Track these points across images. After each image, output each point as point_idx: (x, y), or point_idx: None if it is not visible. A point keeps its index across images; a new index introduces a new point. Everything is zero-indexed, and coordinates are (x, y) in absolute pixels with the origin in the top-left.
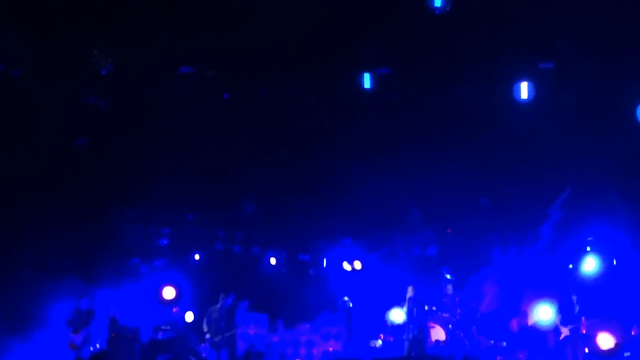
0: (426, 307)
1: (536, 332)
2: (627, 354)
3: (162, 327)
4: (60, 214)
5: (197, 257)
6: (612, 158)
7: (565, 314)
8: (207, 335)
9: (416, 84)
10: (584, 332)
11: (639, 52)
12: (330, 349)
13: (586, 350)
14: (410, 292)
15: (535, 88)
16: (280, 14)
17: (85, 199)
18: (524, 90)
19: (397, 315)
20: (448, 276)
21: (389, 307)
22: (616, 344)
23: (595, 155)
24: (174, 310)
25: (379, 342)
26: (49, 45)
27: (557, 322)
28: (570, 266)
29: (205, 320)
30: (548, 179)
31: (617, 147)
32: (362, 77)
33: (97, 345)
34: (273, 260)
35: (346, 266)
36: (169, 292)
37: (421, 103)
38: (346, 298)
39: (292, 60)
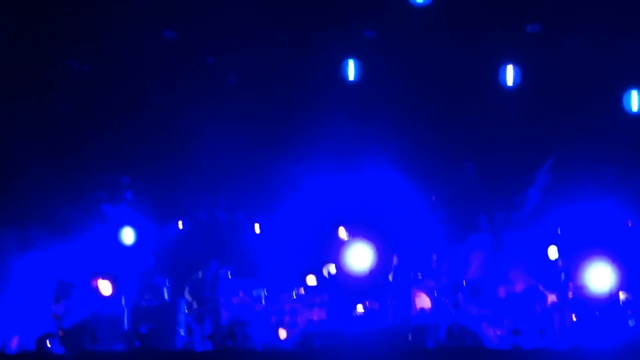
0: (411, 275)
1: (523, 299)
2: (631, 322)
3: (145, 296)
4: (41, 180)
5: (180, 224)
6: (599, 125)
7: (551, 279)
8: (192, 305)
9: (403, 47)
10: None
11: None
12: (315, 318)
13: (574, 317)
14: (395, 260)
15: (522, 54)
16: None
17: (65, 165)
18: (510, 74)
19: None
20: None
21: (373, 274)
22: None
23: (582, 121)
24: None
25: (361, 309)
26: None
27: (541, 288)
28: (559, 231)
29: (187, 290)
30: (535, 145)
31: (604, 115)
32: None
33: (80, 316)
34: (257, 228)
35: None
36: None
37: (408, 67)
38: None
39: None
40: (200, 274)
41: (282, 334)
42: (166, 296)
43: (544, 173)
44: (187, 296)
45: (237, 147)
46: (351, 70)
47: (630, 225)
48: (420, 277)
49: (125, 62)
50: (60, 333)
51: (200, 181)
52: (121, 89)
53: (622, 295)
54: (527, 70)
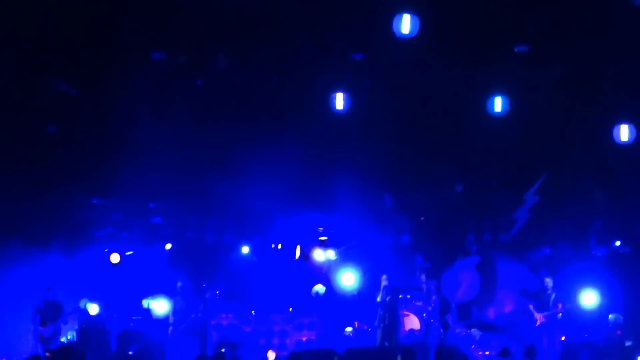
0: (400, 296)
1: (513, 320)
2: (628, 343)
3: (133, 318)
4: (29, 207)
5: (168, 246)
6: (587, 146)
7: (540, 300)
8: (174, 325)
9: (390, 71)
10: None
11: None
12: (304, 339)
13: (562, 338)
14: (384, 281)
15: (510, 79)
16: None
17: (54, 190)
18: (498, 104)
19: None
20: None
21: (362, 295)
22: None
23: (571, 143)
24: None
25: (349, 329)
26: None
27: (531, 308)
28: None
29: (173, 311)
30: (523, 165)
31: (592, 136)
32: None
33: (68, 337)
34: (245, 249)
35: (319, 255)
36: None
37: (395, 91)
38: (320, 287)
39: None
40: (189, 295)
41: (271, 355)
42: (154, 317)
43: (532, 194)
44: (174, 317)
45: (225, 171)
46: (339, 101)
47: (616, 246)
48: (409, 298)
49: (113, 84)
50: (48, 355)
51: (188, 203)
52: (109, 111)
53: (611, 317)
54: (514, 94)
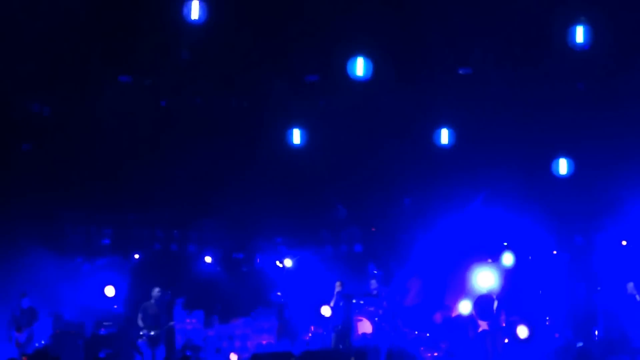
0: (354, 301)
1: (457, 324)
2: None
3: (104, 323)
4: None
5: (136, 256)
6: (528, 159)
7: (483, 308)
8: (144, 330)
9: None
10: (504, 325)
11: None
12: (264, 342)
13: (506, 340)
14: (338, 287)
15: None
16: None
17: (29, 202)
18: (445, 136)
19: (326, 311)
20: (375, 272)
21: (318, 301)
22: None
23: (513, 156)
24: (114, 307)
25: (309, 335)
26: None
27: (474, 315)
28: (490, 260)
29: (140, 316)
30: (467, 180)
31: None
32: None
33: (42, 342)
34: (208, 259)
35: (279, 263)
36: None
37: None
38: (279, 293)
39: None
40: (153, 301)
41: (234, 357)
42: (124, 323)
43: (478, 205)
44: (139, 322)
45: (195, 187)
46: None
47: (554, 254)
48: (362, 303)
49: (85, 104)
50: (24, 359)
51: (157, 217)
52: (83, 130)
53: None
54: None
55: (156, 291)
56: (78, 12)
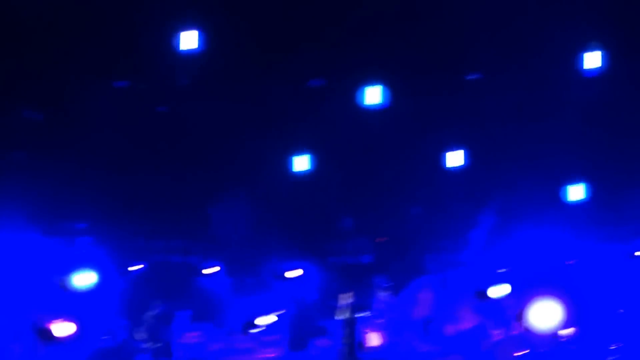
0: (361, 314)
1: (469, 337)
2: None
3: (102, 337)
4: None
5: (134, 267)
6: (542, 166)
7: (495, 317)
8: (143, 343)
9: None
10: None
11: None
12: (270, 356)
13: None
14: (345, 299)
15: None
16: None
17: (19, 211)
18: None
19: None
20: (383, 284)
21: (325, 314)
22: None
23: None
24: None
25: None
26: None
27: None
28: (502, 270)
29: (141, 329)
30: (479, 187)
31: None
32: None
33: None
34: (209, 270)
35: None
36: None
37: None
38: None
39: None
40: (153, 313)
41: None
42: (123, 336)
43: (488, 215)
44: (142, 335)
45: (190, 194)
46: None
47: (571, 264)
48: (370, 315)
49: (78, 110)
50: None
51: (155, 226)
52: (76, 136)
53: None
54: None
55: (155, 304)
56: (72, 15)
